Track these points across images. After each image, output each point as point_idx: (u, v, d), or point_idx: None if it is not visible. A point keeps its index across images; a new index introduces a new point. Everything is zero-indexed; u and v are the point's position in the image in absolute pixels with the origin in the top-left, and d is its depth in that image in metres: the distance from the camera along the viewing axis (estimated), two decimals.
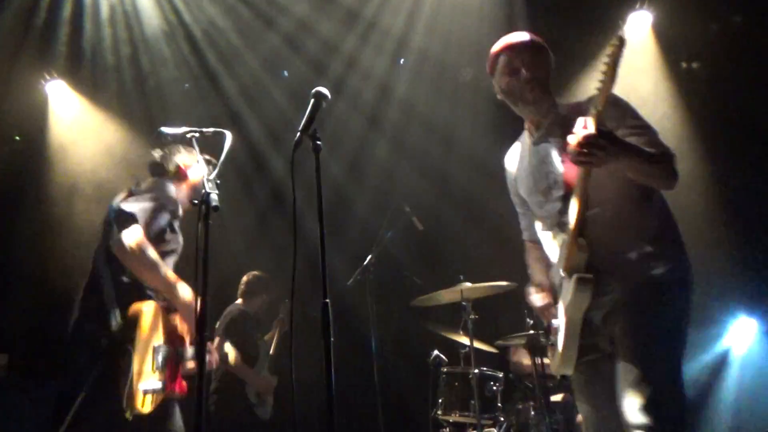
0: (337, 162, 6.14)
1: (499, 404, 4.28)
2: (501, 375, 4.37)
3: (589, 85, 5.74)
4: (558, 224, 2.38)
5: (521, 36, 2.56)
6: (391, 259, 5.04)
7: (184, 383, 2.80)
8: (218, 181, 2.23)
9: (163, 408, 2.60)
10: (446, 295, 4.40)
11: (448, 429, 4.42)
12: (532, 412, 4.26)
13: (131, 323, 2.48)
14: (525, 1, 5.68)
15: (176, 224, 2.93)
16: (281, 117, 6.12)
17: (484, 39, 5.86)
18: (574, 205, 2.23)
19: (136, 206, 2.67)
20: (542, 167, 2.45)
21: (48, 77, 6.03)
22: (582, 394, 2.40)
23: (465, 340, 4.38)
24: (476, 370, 4.12)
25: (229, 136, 2.50)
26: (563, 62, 5.75)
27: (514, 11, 5.70)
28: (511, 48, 2.52)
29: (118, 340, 2.43)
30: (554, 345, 2.41)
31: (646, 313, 2.16)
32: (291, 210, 2.04)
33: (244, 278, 5.29)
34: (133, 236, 2.57)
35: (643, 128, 2.29)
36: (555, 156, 2.41)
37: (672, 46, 5.71)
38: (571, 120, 2.19)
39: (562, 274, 2.31)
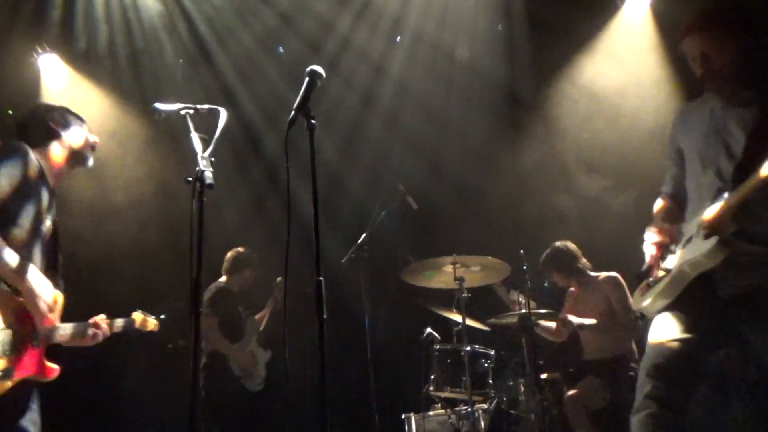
0: (332, 141, 6.12)
1: (491, 380, 4.33)
2: (492, 352, 4.42)
3: (586, 67, 5.78)
4: (722, 181, 2.32)
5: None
6: (385, 238, 5.06)
7: (47, 365, 2.60)
8: (212, 159, 2.21)
9: (12, 397, 2.41)
10: (438, 274, 4.45)
11: (440, 405, 4.49)
12: (523, 389, 4.32)
13: None
14: None
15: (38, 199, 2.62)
16: (276, 95, 6.08)
17: (479, 19, 5.85)
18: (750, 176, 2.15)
19: None
20: (722, 133, 2.40)
21: (40, 50, 5.95)
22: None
23: (458, 317, 4.43)
24: (468, 348, 4.17)
25: (223, 113, 2.47)
26: (559, 44, 5.84)
27: None
28: None
29: None
30: (649, 285, 2.44)
31: None
32: (285, 188, 2.04)
33: (227, 255, 5.34)
34: None
35: None
36: (739, 126, 2.36)
37: (671, 27, 5.69)
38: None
39: (696, 228, 2.28)
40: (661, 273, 2.42)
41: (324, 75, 2.14)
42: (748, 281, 2.19)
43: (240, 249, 5.38)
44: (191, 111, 2.54)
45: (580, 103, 5.86)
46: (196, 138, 2.27)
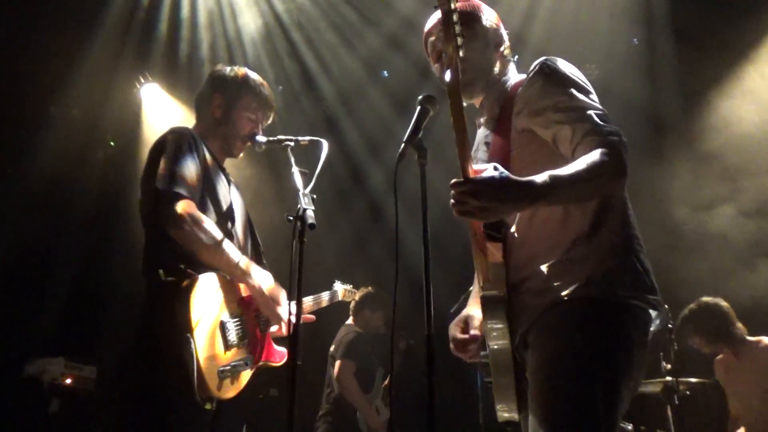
0: (445, 173, 6.11)
1: None
2: (630, 427, 4.16)
3: (748, 81, 5.46)
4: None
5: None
6: None
7: (277, 349, 2.82)
8: (314, 196, 2.27)
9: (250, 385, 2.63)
10: None
11: None
12: None
13: (184, 306, 2.42)
14: None
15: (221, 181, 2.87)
16: (381, 123, 6.20)
17: (614, 31, 5.69)
18: None
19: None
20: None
21: (143, 80, 6.45)
22: None
23: None
24: None
25: (325, 146, 2.58)
26: (712, 57, 5.55)
27: (652, 3, 5.50)
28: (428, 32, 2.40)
29: (175, 331, 2.39)
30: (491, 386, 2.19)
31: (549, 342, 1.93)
32: (392, 228, 2.04)
33: (357, 294, 5.42)
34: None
35: (575, 110, 2.00)
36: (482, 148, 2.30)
37: None
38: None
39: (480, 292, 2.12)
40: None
41: (437, 103, 2.14)
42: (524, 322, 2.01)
43: (369, 288, 5.45)
44: (292, 143, 2.68)
45: (736, 128, 5.52)
46: (297, 173, 2.35)
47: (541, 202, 1.87)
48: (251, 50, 6.20)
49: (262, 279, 2.72)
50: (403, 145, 2.04)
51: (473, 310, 2.38)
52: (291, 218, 2.21)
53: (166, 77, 6.42)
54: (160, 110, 6.57)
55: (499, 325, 2.03)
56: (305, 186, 2.34)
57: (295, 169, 2.40)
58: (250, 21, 5.97)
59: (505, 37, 2.40)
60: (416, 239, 1.96)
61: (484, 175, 1.82)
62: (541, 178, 1.84)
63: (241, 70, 3.03)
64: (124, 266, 6.17)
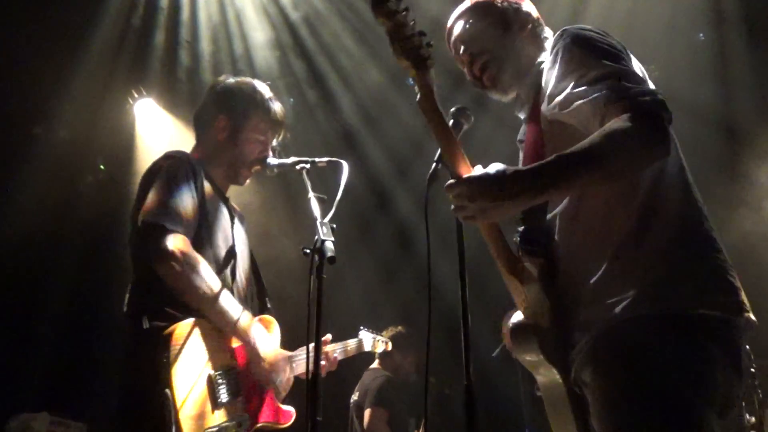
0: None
1: None
2: None
3: None
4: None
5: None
6: None
7: (282, 408, 2.79)
8: (333, 226, 2.29)
9: None
10: None
11: None
12: None
13: (164, 357, 2.40)
14: None
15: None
16: (409, 139, 6.23)
17: (676, 26, 5.67)
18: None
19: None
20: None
21: (137, 95, 6.54)
22: None
23: None
24: None
25: (345, 168, 2.59)
26: None
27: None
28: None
29: (155, 386, 2.37)
30: None
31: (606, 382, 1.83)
32: (424, 259, 2.05)
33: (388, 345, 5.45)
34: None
35: (595, 81, 1.91)
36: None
37: None
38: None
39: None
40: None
41: (472, 116, 2.16)
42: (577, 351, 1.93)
43: (398, 328, 5.45)
44: (308, 165, 2.70)
45: None
46: (314, 200, 2.38)
47: (553, 191, 1.83)
48: (259, 58, 6.28)
49: (263, 342, 2.72)
50: (434, 164, 2.06)
51: None
52: (308, 251, 2.23)
53: (162, 91, 6.49)
54: (156, 128, 6.58)
55: (536, 358, 1.99)
56: (324, 215, 2.36)
57: (312, 195, 2.42)
58: (257, 26, 6.07)
59: (533, 12, 2.39)
60: (451, 272, 1.96)
61: (474, 173, 1.84)
62: (547, 161, 1.82)
63: (248, 83, 3.04)
64: (119, 310, 6.22)
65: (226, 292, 2.62)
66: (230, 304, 2.62)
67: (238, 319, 2.62)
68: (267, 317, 2.96)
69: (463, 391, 1.83)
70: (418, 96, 1.96)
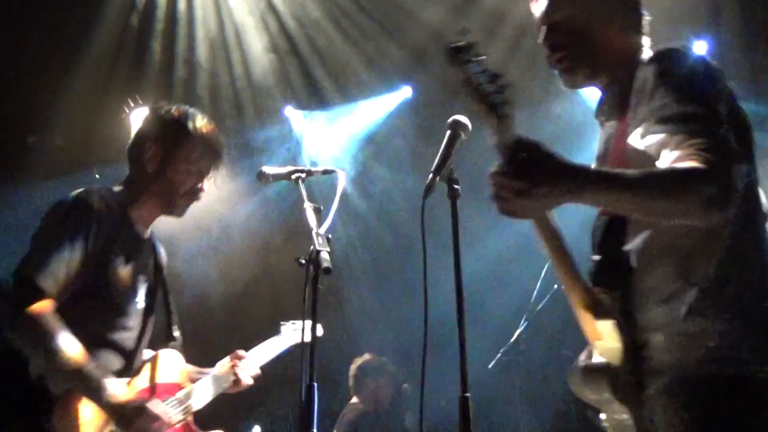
0: (479, 210, 6.09)
1: None
2: None
3: None
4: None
5: None
6: (543, 332, 4.93)
7: None
8: (329, 236, 2.28)
9: None
10: None
11: None
12: None
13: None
14: None
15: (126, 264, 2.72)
16: (408, 151, 6.22)
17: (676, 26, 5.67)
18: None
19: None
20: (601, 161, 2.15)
21: (133, 104, 6.54)
22: None
23: None
24: None
25: (341, 177, 2.59)
26: None
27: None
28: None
29: None
30: None
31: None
32: (420, 273, 2.05)
33: (351, 369, 5.41)
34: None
35: (677, 118, 1.76)
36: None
37: None
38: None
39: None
40: None
41: (470, 126, 2.15)
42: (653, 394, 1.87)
43: (365, 358, 5.45)
44: (303, 174, 2.69)
45: None
46: (309, 210, 2.37)
47: (586, 195, 1.69)
48: (256, 67, 6.29)
49: (127, 396, 2.48)
50: (430, 176, 2.04)
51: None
52: (303, 261, 2.21)
53: (159, 100, 6.48)
54: None
55: (607, 397, 1.94)
56: (319, 225, 2.34)
57: (308, 206, 2.41)
58: (255, 37, 6.08)
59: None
60: (447, 283, 1.96)
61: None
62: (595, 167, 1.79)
63: (183, 111, 2.90)
64: None
65: (84, 361, 2.40)
66: (88, 373, 2.40)
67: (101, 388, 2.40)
68: (163, 353, 2.82)
69: (458, 403, 1.83)
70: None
